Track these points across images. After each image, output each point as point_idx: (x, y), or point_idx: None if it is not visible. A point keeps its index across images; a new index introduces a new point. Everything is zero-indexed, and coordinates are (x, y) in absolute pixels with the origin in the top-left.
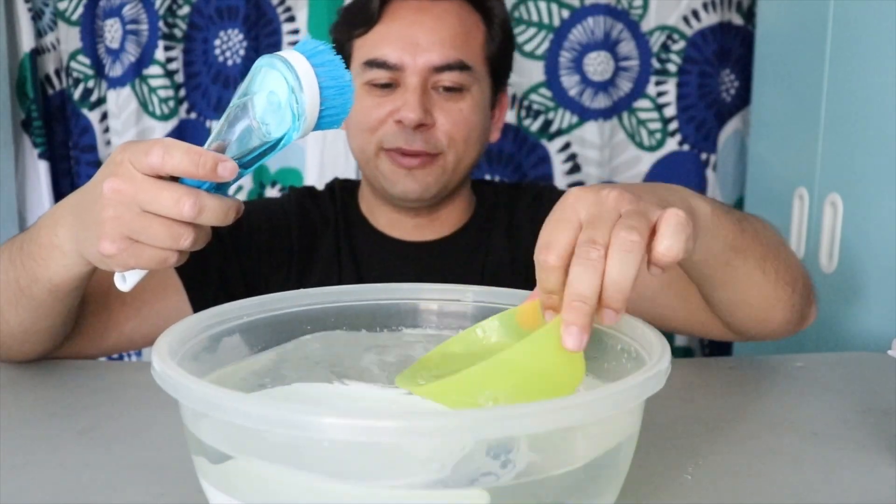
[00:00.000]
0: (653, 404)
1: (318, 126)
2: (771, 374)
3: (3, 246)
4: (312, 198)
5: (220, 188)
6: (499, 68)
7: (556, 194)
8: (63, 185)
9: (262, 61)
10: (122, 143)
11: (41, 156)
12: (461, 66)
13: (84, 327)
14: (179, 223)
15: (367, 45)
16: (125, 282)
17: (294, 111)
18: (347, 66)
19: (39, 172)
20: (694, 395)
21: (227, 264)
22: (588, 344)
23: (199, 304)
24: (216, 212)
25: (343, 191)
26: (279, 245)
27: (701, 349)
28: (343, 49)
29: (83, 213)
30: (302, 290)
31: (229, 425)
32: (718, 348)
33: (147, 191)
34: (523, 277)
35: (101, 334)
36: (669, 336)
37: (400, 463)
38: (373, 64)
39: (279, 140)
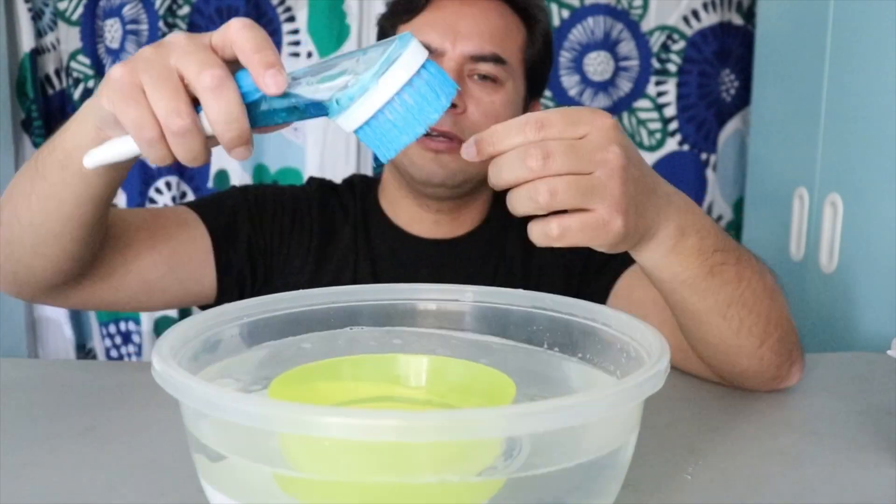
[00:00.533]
0: (653, 404)
1: (365, 136)
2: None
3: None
4: (332, 189)
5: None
6: (535, 75)
7: None
8: None
9: (408, 39)
10: None
11: None
12: (496, 59)
13: (105, 266)
14: (187, 104)
15: (411, 31)
16: (91, 158)
17: (353, 91)
18: None
19: None
20: (694, 395)
21: (255, 235)
22: (587, 343)
23: (223, 263)
24: (224, 114)
25: (363, 185)
26: (300, 230)
27: None
28: (386, 35)
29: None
30: (302, 291)
31: (229, 425)
32: None
33: (189, 43)
34: (535, 283)
35: (122, 276)
36: None
37: (399, 461)
38: None
39: (318, 105)
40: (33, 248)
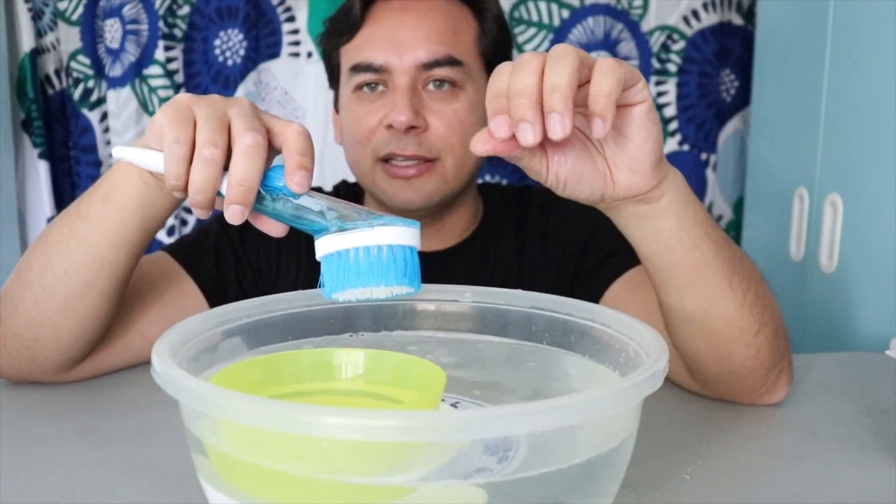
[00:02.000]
0: (652, 404)
1: (327, 264)
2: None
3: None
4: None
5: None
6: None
7: (566, 206)
8: (63, 185)
9: (416, 225)
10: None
11: (41, 156)
12: (451, 62)
13: (110, 336)
14: (224, 141)
15: (352, 50)
16: (121, 151)
17: (346, 223)
18: (336, 77)
19: (39, 172)
20: (694, 395)
21: (242, 270)
22: (586, 344)
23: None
24: (244, 173)
25: (349, 194)
26: (288, 250)
27: None
28: (330, 59)
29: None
30: (302, 292)
31: (229, 425)
32: None
33: (251, 109)
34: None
35: (125, 336)
36: None
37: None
38: (358, 68)
39: (313, 224)
40: (65, 301)
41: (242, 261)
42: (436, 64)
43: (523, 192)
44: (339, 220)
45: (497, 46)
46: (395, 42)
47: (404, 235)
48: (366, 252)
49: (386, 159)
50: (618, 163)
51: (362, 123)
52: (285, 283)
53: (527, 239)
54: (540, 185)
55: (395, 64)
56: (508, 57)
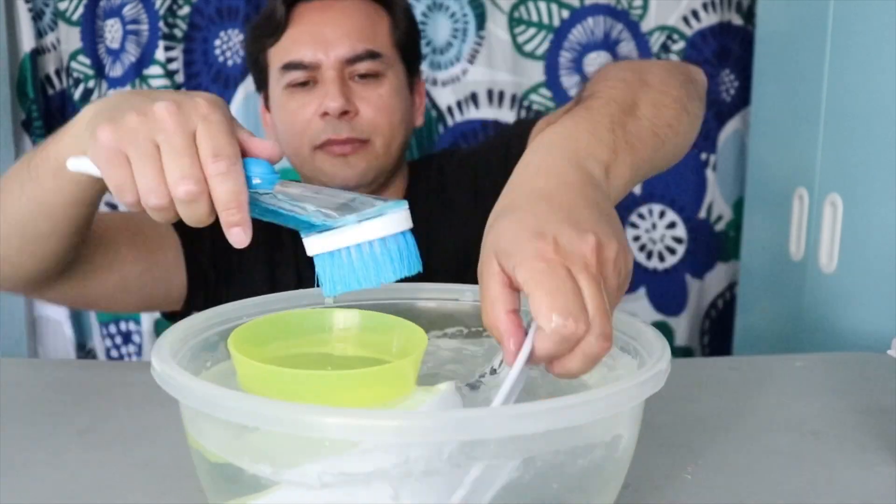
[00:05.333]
0: (653, 404)
1: (321, 265)
2: (771, 374)
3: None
4: None
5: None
6: (409, 54)
7: (465, 152)
8: None
9: (403, 206)
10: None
11: None
12: (371, 55)
13: (88, 264)
14: (160, 189)
15: (281, 51)
16: (75, 164)
17: (334, 221)
18: (265, 78)
19: None
20: (694, 395)
21: (217, 238)
22: None
23: (191, 264)
24: (200, 220)
25: None
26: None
27: (701, 349)
28: (258, 62)
29: (106, 109)
30: (300, 291)
31: (230, 425)
32: (718, 348)
33: (178, 137)
34: (465, 263)
35: (104, 274)
36: (669, 336)
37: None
38: (290, 66)
39: (297, 219)
40: (20, 246)
41: (217, 230)
42: (357, 59)
43: (440, 154)
44: (323, 215)
45: (408, 37)
46: (321, 40)
47: (394, 222)
48: (358, 250)
49: (323, 146)
50: None
51: (298, 116)
52: (248, 259)
53: (453, 203)
54: (455, 146)
55: (323, 60)
56: (418, 44)
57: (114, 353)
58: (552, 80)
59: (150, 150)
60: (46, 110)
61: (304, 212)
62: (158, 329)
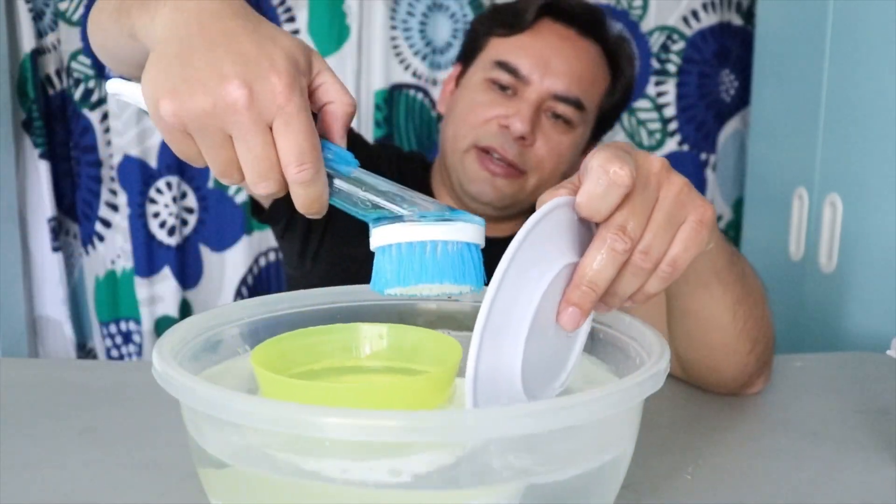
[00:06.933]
0: (653, 404)
1: (382, 256)
2: (771, 374)
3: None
4: (404, 160)
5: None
6: (604, 122)
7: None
8: (64, 185)
9: (481, 222)
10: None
11: (42, 156)
12: (577, 104)
13: None
14: (234, 177)
15: (504, 47)
16: (115, 86)
17: (409, 214)
18: (473, 58)
19: (40, 172)
20: (694, 395)
21: None
22: (586, 343)
23: None
24: (268, 187)
25: (401, 163)
26: None
27: None
28: (476, 39)
29: (190, 51)
30: (302, 291)
31: (230, 425)
32: None
33: (254, 137)
34: None
35: None
36: None
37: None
38: (503, 66)
39: (373, 206)
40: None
41: None
42: (564, 100)
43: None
44: (407, 208)
45: (614, 108)
46: (545, 63)
47: (469, 232)
48: (424, 247)
49: (484, 150)
50: None
51: (480, 111)
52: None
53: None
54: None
55: (535, 80)
56: (619, 117)
57: (114, 353)
58: None
59: (220, 140)
60: (47, 110)
61: (378, 201)
62: (159, 329)
